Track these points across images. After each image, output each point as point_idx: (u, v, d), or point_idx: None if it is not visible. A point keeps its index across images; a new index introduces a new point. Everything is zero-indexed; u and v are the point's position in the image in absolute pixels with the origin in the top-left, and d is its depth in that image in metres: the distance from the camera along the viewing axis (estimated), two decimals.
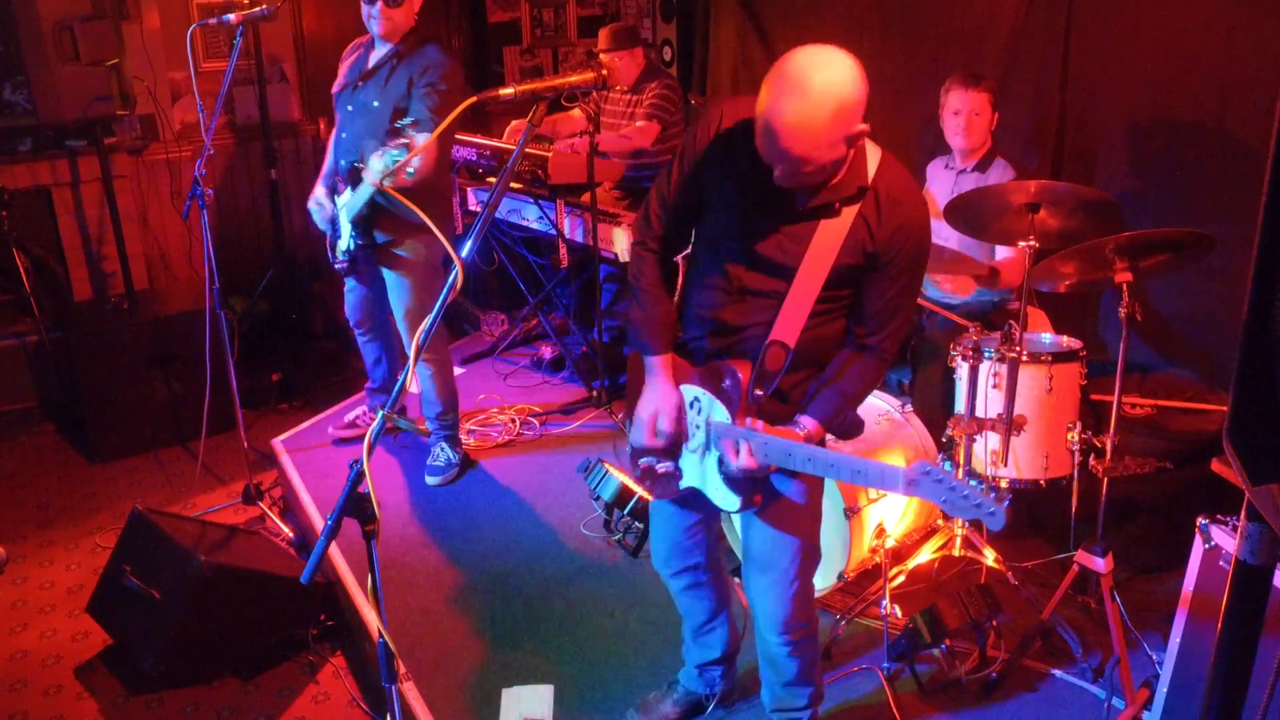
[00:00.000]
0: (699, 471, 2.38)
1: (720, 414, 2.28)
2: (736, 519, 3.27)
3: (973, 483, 1.87)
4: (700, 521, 2.58)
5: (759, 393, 2.23)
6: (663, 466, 2.43)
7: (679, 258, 2.45)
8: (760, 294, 2.23)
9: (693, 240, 2.39)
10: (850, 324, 2.28)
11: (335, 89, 3.94)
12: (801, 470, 2.16)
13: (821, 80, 1.96)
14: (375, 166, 3.42)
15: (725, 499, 2.32)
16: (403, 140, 3.34)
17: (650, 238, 2.38)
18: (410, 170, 3.42)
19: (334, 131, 4.01)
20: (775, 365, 2.21)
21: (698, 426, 2.35)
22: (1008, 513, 1.84)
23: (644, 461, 2.47)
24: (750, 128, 2.08)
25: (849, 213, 2.13)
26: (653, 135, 4.92)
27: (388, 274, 3.92)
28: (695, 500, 2.48)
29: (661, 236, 2.37)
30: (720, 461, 2.28)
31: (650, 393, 2.37)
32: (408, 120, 3.53)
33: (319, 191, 4.00)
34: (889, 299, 2.21)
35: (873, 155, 2.17)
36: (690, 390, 2.36)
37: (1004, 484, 3.36)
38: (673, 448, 2.41)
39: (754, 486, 2.29)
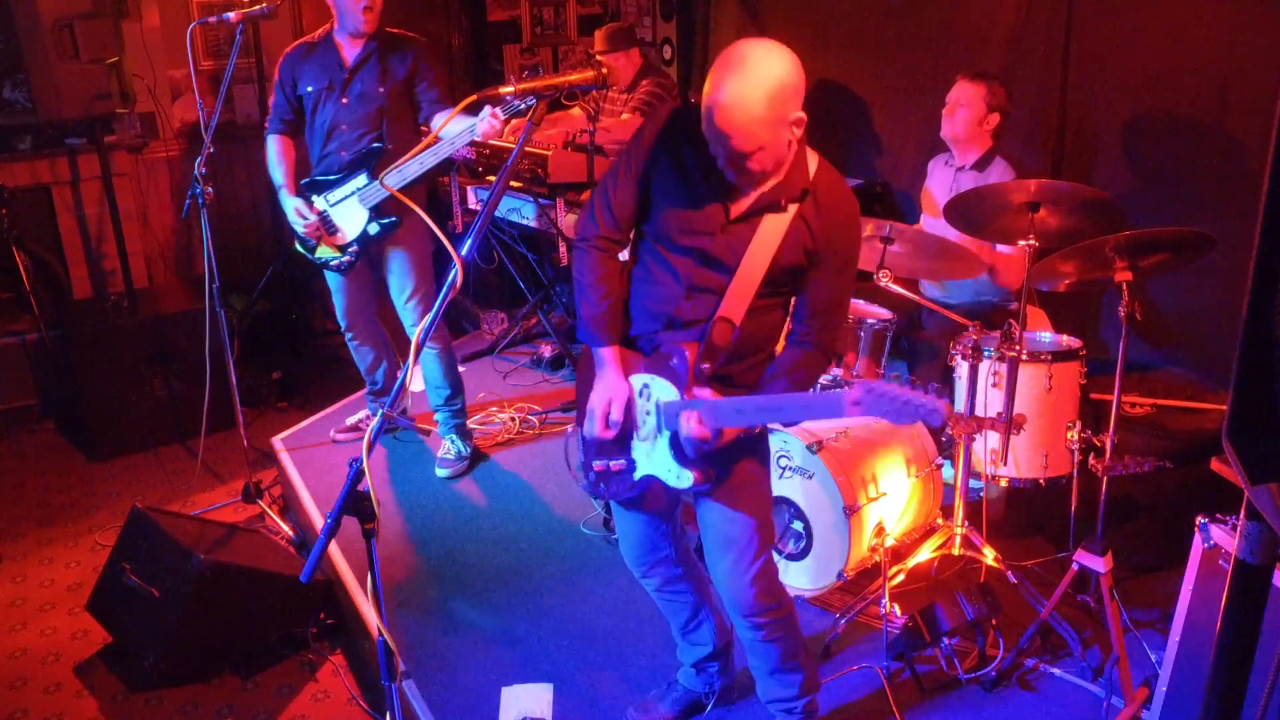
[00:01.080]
0: (651, 458, 2.42)
1: (669, 393, 2.34)
2: None
3: (913, 393, 1.94)
4: (660, 514, 2.61)
5: (706, 366, 2.30)
6: (616, 464, 2.47)
7: (624, 254, 2.51)
8: (710, 290, 2.31)
9: (636, 238, 2.45)
10: (794, 322, 2.38)
11: (309, 88, 3.88)
12: (753, 423, 2.27)
13: (756, 62, 2.07)
14: (475, 123, 3.40)
15: (679, 478, 2.36)
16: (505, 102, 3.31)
17: (593, 235, 2.43)
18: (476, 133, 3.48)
19: (276, 139, 3.97)
20: (722, 340, 2.30)
21: (648, 413, 2.39)
22: (946, 408, 1.92)
23: (598, 463, 2.50)
24: (695, 127, 2.17)
25: (791, 210, 2.24)
26: (634, 129, 4.88)
27: (395, 255, 3.94)
28: (651, 495, 2.53)
29: (605, 234, 2.43)
30: (672, 442, 2.34)
31: (600, 384, 2.42)
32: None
33: (296, 202, 3.91)
34: (829, 295, 2.33)
35: (811, 158, 2.28)
36: (639, 378, 2.41)
37: (1003, 483, 3.37)
38: (622, 442, 2.45)
39: (706, 463, 2.34)
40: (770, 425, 2.71)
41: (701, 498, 2.48)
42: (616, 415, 2.39)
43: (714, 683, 2.84)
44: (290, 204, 3.93)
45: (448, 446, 4.21)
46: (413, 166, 3.63)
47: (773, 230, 2.24)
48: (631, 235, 2.47)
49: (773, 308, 2.36)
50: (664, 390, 2.35)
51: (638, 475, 2.45)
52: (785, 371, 2.34)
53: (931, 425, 1.96)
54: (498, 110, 3.32)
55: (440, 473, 4.16)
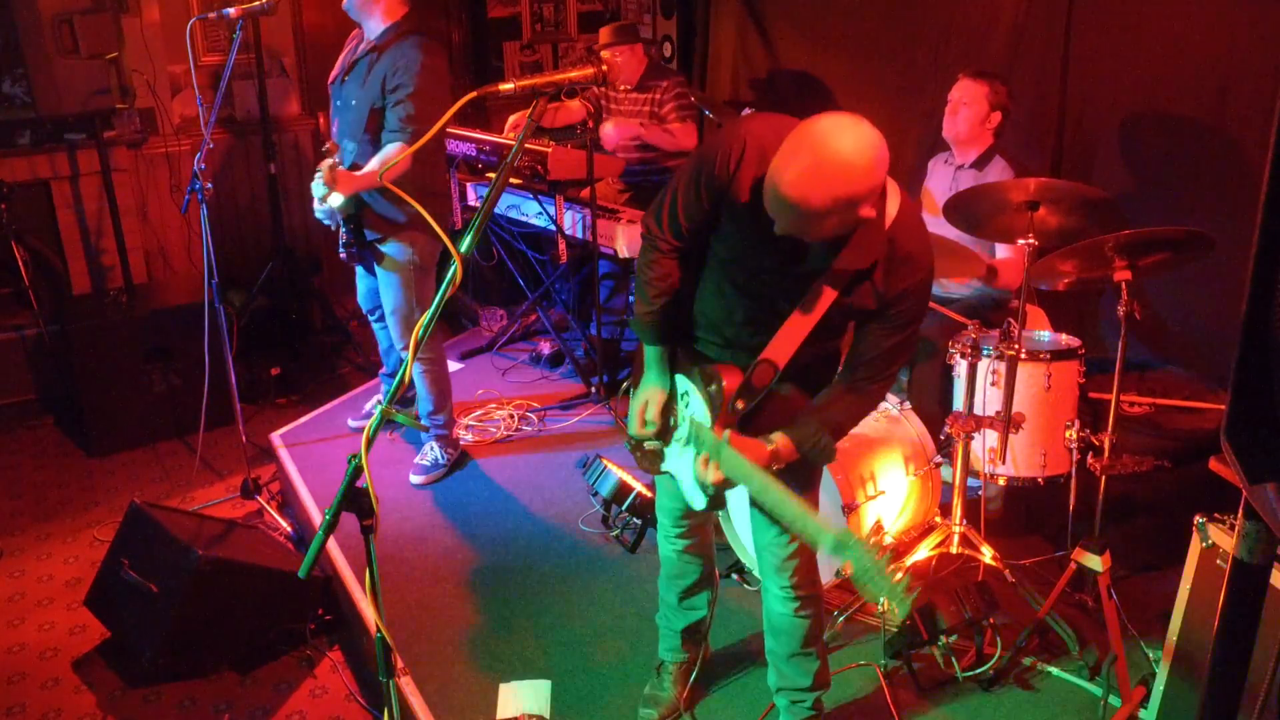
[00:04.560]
0: (677, 462, 2.47)
1: (702, 415, 2.35)
2: (734, 518, 3.28)
3: (885, 572, 1.87)
4: None
5: (740, 405, 2.27)
6: (650, 444, 2.53)
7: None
8: (765, 322, 2.27)
9: (707, 247, 2.39)
10: (847, 360, 2.31)
11: (330, 79, 3.92)
12: (752, 494, 2.21)
13: (833, 155, 1.92)
14: (315, 189, 3.53)
15: (694, 496, 2.41)
16: (328, 161, 3.40)
17: (661, 238, 2.38)
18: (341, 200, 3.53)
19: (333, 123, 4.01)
20: (761, 382, 2.26)
21: (683, 419, 2.43)
22: (911, 606, 1.87)
23: (638, 440, 2.57)
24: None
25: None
26: (694, 135, 5.02)
27: (378, 270, 3.92)
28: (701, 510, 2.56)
29: (672, 240, 2.38)
30: (695, 461, 2.34)
31: (643, 384, 2.48)
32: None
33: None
34: (885, 349, 2.23)
35: (892, 201, 2.13)
36: (684, 382, 2.43)
37: (1002, 481, 3.37)
38: (664, 433, 2.50)
39: (719, 493, 2.35)
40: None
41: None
42: (651, 416, 2.45)
43: (698, 649, 2.89)
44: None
45: (425, 452, 4.19)
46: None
47: (830, 292, 2.16)
48: (702, 243, 2.39)
49: (826, 348, 2.34)
50: (700, 410, 2.36)
51: (664, 466, 2.52)
52: (822, 408, 2.30)
53: (895, 608, 1.87)
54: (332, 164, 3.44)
55: (414, 479, 4.10)
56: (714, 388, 2.31)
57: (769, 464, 2.24)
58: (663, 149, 5.05)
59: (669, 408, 2.48)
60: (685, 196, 2.29)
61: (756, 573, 2.98)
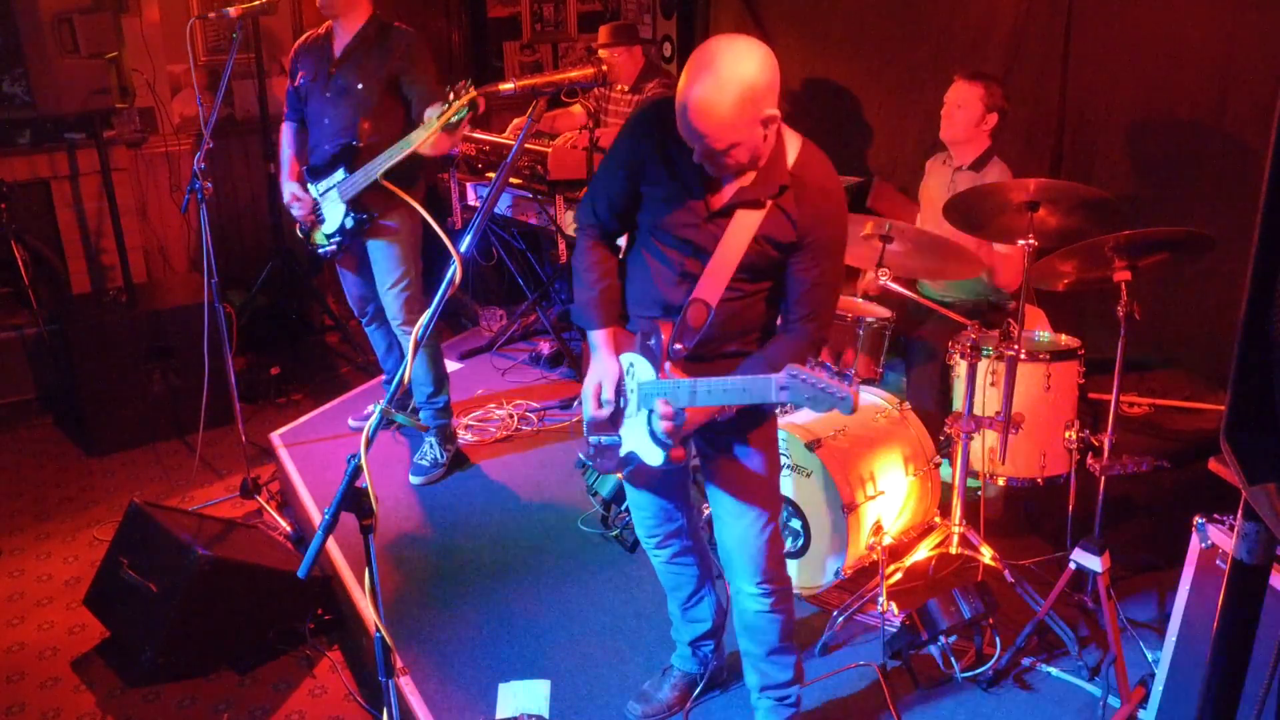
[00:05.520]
0: (633, 434, 2.48)
1: (647, 372, 2.39)
2: None
3: (830, 380, 1.99)
4: (671, 487, 2.65)
5: (678, 347, 2.34)
6: (609, 440, 2.55)
7: (621, 241, 2.57)
8: (695, 278, 2.34)
9: (634, 227, 2.49)
10: (782, 307, 2.39)
11: (301, 81, 3.95)
12: (703, 404, 2.28)
13: (727, 62, 2.08)
14: (432, 115, 3.54)
15: (651, 454, 2.43)
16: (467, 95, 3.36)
17: (588, 223, 2.50)
18: (455, 118, 3.47)
19: (287, 126, 4.05)
20: (697, 321, 2.32)
21: (631, 390, 2.46)
22: (855, 397, 1.98)
23: (593, 439, 2.59)
24: (673, 120, 2.17)
25: (766, 204, 2.27)
26: None
27: (374, 245, 3.95)
28: (646, 469, 2.56)
29: (601, 223, 2.49)
30: (648, 420, 2.39)
31: (594, 367, 2.51)
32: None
33: (293, 187, 4.00)
34: (812, 279, 2.32)
35: (792, 144, 2.28)
36: (627, 357, 2.48)
37: (1001, 482, 3.37)
38: (616, 419, 2.52)
39: (674, 442, 2.39)
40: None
41: (708, 481, 2.56)
42: (607, 395, 2.48)
43: (709, 662, 2.89)
44: (286, 189, 4.02)
45: (424, 451, 4.19)
46: (376, 165, 3.65)
47: (748, 221, 2.26)
48: (629, 224, 2.50)
49: (756, 295, 2.37)
50: (644, 369, 2.41)
51: (623, 451, 2.52)
52: (766, 352, 2.36)
53: (842, 413, 2.01)
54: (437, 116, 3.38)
55: (414, 479, 4.12)
56: (652, 341, 2.36)
57: (719, 411, 2.34)
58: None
59: (620, 388, 2.50)
60: (603, 174, 2.44)
61: None
